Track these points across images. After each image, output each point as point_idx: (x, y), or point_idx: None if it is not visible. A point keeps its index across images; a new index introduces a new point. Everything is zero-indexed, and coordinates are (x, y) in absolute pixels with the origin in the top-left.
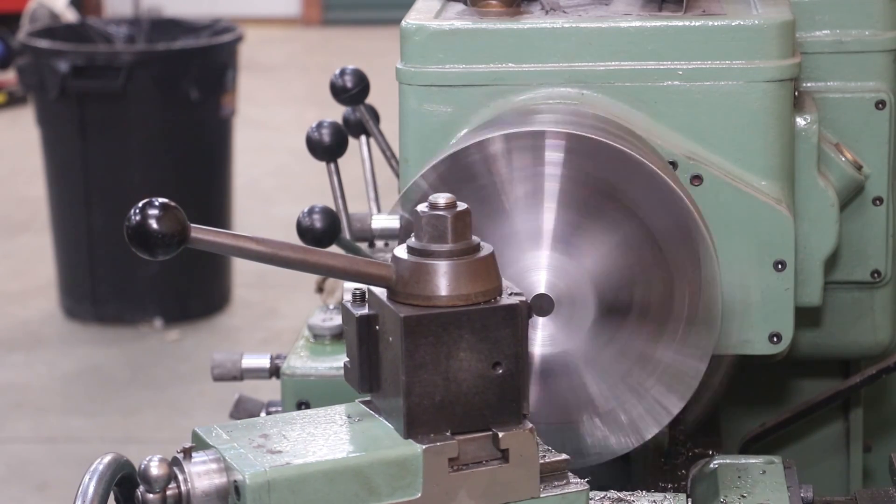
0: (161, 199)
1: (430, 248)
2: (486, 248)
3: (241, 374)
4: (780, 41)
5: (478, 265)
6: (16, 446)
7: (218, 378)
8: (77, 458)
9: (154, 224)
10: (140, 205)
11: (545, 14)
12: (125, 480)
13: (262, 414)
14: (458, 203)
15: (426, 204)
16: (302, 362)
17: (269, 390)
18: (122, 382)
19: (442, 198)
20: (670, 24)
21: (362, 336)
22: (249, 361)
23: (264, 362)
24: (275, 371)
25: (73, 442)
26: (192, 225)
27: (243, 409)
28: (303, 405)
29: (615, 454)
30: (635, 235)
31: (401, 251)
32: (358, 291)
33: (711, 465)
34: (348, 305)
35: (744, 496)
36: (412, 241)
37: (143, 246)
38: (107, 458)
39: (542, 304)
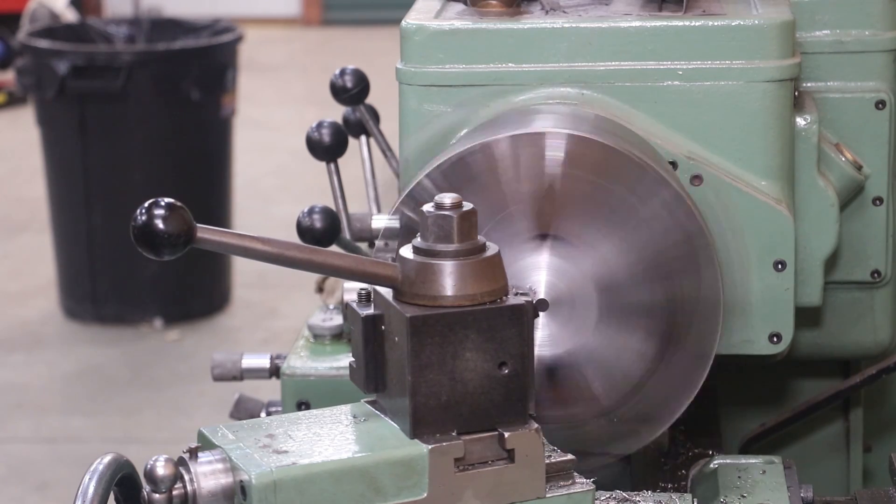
0: (167, 199)
1: (436, 248)
2: (492, 248)
3: (241, 374)
4: (780, 41)
5: (483, 265)
6: (16, 446)
7: (218, 378)
8: (77, 458)
9: (160, 224)
10: (146, 205)
11: (545, 14)
12: (125, 480)
13: (263, 414)
14: (464, 203)
15: (432, 204)
16: (302, 362)
17: (269, 390)
18: (122, 382)
19: (448, 198)
20: (670, 24)
21: (368, 336)
22: (249, 361)
23: (264, 362)
24: (275, 371)
25: (73, 442)
26: (198, 225)
27: (243, 409)
28: (303, 405)
29: (620, 454)
30: (636, 236)
31: (406, 251)
32: (363, 291)
33: (711, 465)
34: (354, 305)
35: (744, 496)
36: (418, 241)
37: (150, 246)
38: (107, 458)
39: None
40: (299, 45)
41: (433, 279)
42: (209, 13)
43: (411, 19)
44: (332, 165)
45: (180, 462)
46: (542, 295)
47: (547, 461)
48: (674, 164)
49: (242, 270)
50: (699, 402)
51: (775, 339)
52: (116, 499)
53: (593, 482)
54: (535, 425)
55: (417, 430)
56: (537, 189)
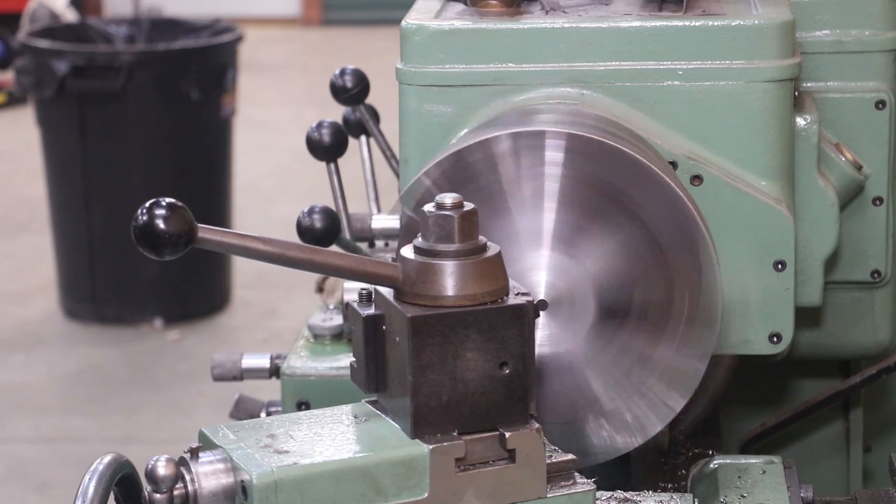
0: (168, 199)
1: (437, 248)
2: (493, 248)
3: (241, 374)
4: (780, 41)
5: (485, 265)
6: (16, 446)
7: (218, 378)
8: (77, 458)
9: (161, 224)
10: (147, 205)
11: (545, 14)
12: (125, 480)
13: (263, 414)
14: (465, 203)
15: (433, 204)
16: (302, 362)
17: (269, 390)
18: (122, 382)
19: (449, 198)
20: (670, 24)
21: (369, 336)
22: (249, 361)
23: (264, 362)
24: (275, 371)
25: (73, 442)
26: (199, 225)
27: (243, 409)
28: (303, 405)
29: (619, 452)
30: (636, 236)
31: (407, 251)
32: (364, 291)
33: (711, 465)
34: (355, 305)
35: (744, 496)
36: (419, 240)
37: (151, 246)
38: (107, 458)
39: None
40: (299, 45)
41: (434, 279)
42: (209, 13)
43: (411, 19)
44: (332, 165)
45: (181, 462)
46: (542, 295)
47: (548, 461)
48: (674, 164)
49: (242, 270)
50: (698, 401)
51: (775, 339)
52: (116, 499)
53: (594, 482)
54: (536, 425)
55: (418, 430)
56: (537, 188)
